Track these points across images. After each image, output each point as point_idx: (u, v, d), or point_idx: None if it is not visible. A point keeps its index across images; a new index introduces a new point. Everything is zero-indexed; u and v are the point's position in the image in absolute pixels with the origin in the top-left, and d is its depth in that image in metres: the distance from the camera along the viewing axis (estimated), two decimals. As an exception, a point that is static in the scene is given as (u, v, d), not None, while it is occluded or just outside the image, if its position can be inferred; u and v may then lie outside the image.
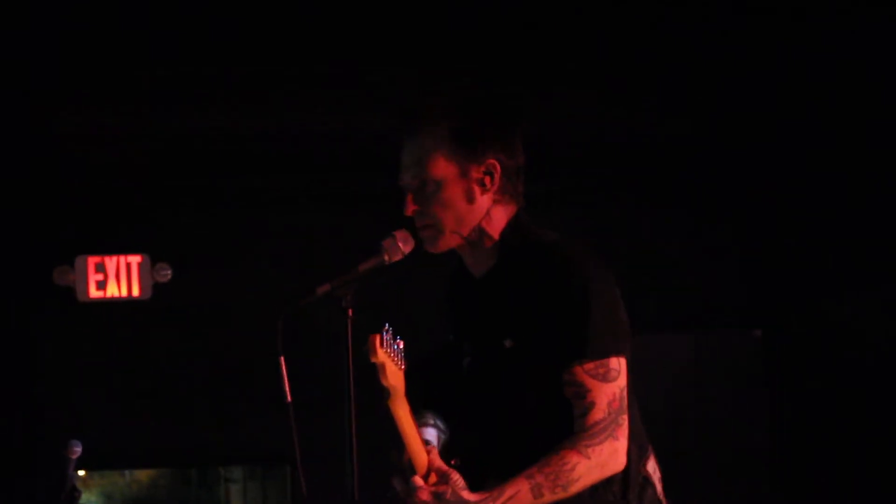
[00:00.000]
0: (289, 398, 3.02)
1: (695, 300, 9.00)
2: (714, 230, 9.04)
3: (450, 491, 2.98)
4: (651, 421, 3.27)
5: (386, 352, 2.91)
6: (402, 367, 2.97)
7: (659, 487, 3.19)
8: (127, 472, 11.70)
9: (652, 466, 3.19)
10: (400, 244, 3.13)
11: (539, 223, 3.23)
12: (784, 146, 8.37)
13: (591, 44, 6.88)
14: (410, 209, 3.18)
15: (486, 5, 6.49)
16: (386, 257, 3.12)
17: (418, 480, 3.00)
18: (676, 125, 8.17)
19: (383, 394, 2.95)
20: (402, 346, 2.98)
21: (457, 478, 3.00)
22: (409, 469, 3.02)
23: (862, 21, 6.64)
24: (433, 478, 3.02)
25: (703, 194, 8.99)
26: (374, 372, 2.92)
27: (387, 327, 2.93)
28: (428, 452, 3.04)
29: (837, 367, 8.67)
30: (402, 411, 2.99)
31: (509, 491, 2.97)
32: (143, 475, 11.82)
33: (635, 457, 3.12)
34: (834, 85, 7.42)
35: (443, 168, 3.15)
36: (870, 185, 8.48)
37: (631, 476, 3.11)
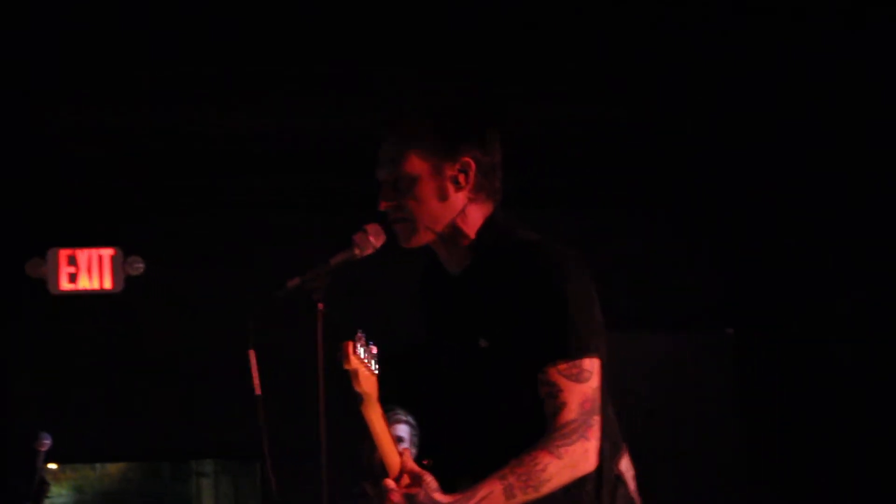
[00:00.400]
0: (258, 392, 3.02)
1: (668, 299, 9.02)
2: (687, 229, 9.06)
3: (422, 493, 2.97)
4: (625, 419, 3.28)
5: (359, 358, 2.90)
6: (376, 372, 2.97)
7: (632, 486, 3.20)
8: (98, 466, 11.66)
9: (625, 465, 3.19)
10: (371, 238, 3.14)
11: (516, 222, 3.23)
12: (758, 146, 8.39)
13: (570, 45, 6.89)
14: (384, 204, 3.19)
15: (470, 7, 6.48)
16: (357, 251, 3.13)
17: (390, 483, 3.00)
18: (650, 125, 8.18)
19: (356, 399, 2.94)
20: (375, 352, 2.98)
21: (429, 479, 3.00)
22: (381, 471, 3.01)
23: (824, 21, 6.67)
24: (406, 479, 3.01)
25: (677, 194, 9.00)
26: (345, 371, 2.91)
27: (359, 333, 2.93)
28: (400, 454, 3.03)
29: (809, 366, 8.71)
30: (374, 416, 2.99)
31: (482, 492, 2.97)
32: (113, 469, 11.79)
33: (608, 455, 3.13)
34: (808, 84, 7.44)
35: (417, 164, 3.15)
36: (845, 186, 8.52)
37: (604, 475, 3.12)
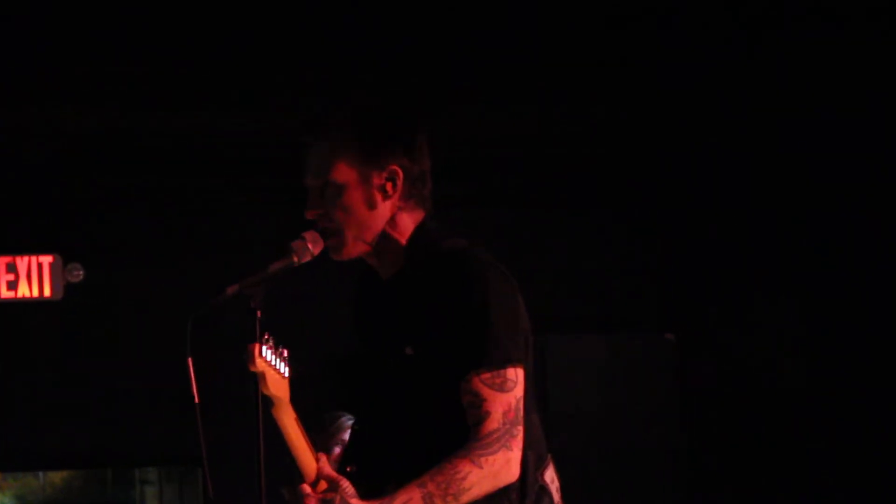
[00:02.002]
0: (196, 399, 3.02)
1: (608, 303, 9.05)
2: (629, 233, 9.10)
3: (338, 498, 2.97)
4: (563, 424, 3.30)
5: (265, 361, 2.90)
6: (287, 375, 2.97)
7: (556, 497, 3.19)
8: (41, 474, 11.58)
9: (550, 475, 3.19)
10: (309, 245, 3.13)
11: (449, 229, 3.23)
12: (701, 148, 8.44)
13: (497, 46, 6.90)
14: (311, 213, 3.18)
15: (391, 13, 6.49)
16: (295, 258, 3.12)
17: (306, 488, 2.99)
18: (587, 128, 8.22)
19: (267, 403, 2.94)
20: (286, 355, 2.98)
21: (346, 485, 2.99)
22: (298, 476, 3.02)
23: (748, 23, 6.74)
24: (322, 485, 3.01)
25: (619, 197, 9.04)
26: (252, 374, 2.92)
27: (266, 336, 2.93)
28: (317, 459, 3.03)
29: (751, 371, 8.75)
30: (287, 419, 2.99)
31: (400, 499, 2.97)
32: (57, 477, 11.71)
33: (532, 465, 3.13)
34: (748, 84, 7.49)
35: (344, 173, 3.14)
36: (785, 189, 8.57)
37: (528, 485, 3.11)
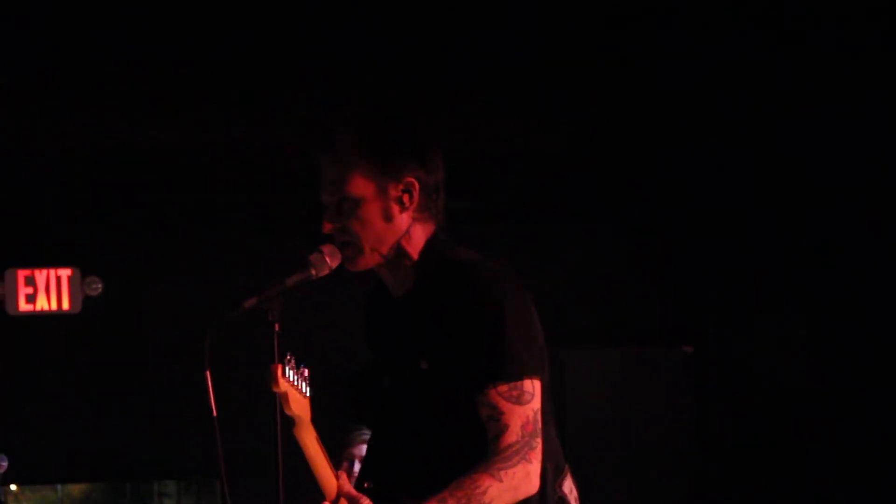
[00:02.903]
0: (214, 412, 3.02)
1: (627, 316, 9.03)
2: (647, 245, 9.08)
3: None
4: (579, 436, 3.30)
5: (288, 381, 2.91)
6: (307, 394, 2.97)
7: (576, 507, 3.20)
8: (59, 487, 11.60)
9: (568, 486, 3.19)
10: (327, 259, 3.13)
11: (459, 241, 3.23)
12: (714, 160, 8.43)
13: (505, 58, 6.90)
14: (328, 226, 3.18)
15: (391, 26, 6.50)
16: (313, 272, 3.12)
17: None
18: (604, 141, 8.21)
19: (290, 422, 2.95)
20: (307, 374, 2.98)
21: (366, 503, 3.00)
22: (319, 495, 3.02)
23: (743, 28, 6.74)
24: (343, 503, 3.01)
25: (637, 208, 9.03)
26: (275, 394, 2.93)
27: (289, 356, 2.93)
28: (337, 477, 3.03)
29: (767, 385, 8.73)
30: (308, 439, 2.99)
31: None
32: (75, 489, 11.72)
33: (551, 477, 3.12)
34: (764, 95, 7.48)
35: (361, 186, 3.13)
36: (803, 200, 8.56)
37: (547, 496, 3.11)
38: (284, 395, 2.91)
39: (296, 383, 2.94)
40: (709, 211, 8.89)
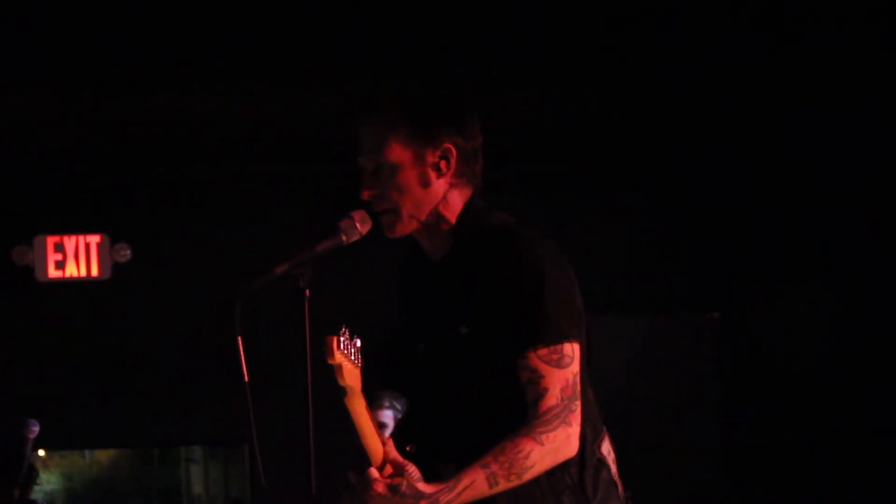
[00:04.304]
0: (246, 378, 3.03)
1: (653, 283, 9.02)
2: (674, 213, 9.06)
3: (405, 483, 2.97)
4: (606, 403, 3.29)
5: (342, 352, 2.92)
6: (359, 365, 2.98)
7: (613, 468, 3.20)
8: (87, 453, 11.68)
9: (606, 448, 3.19)
10: (357, 225, 3.13)
11: (494, 206, 3.23)
12: (737, 128, 8.41)
13: (538, 34, 6.90)
14: (366, 193, 3.18)
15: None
16: (343, 238, 3.11)
17: (374, 472, 2.99)
18: (624, 112, 8.20)
19: (341, 392, 2.96)
20: (358, 345, 2.99)
21: (412, 469, 3.00)
22: (365, 460, 3.02)
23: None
24: (388, 469, 3.01)
25: (665, 178, 9.01)
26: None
27: (343, 329, 2.94)
28: (384, 444, 3.03)
29: (792, 352, 8.72)
30: (358, 408, 2.99)
31: (465, 481, 2.96)
32: (103, 455, 11.82)
33: (590, 439, 3.12)
34: (779, 71, 7.47)
35: (398, 152, 3.13)
36: (826, 170, 8.54)
37: (586, 459, 3.11)
38: (339, 367, 2.92)
39: (349, 354, 2.95)
40: (739, 181, 8.87)
